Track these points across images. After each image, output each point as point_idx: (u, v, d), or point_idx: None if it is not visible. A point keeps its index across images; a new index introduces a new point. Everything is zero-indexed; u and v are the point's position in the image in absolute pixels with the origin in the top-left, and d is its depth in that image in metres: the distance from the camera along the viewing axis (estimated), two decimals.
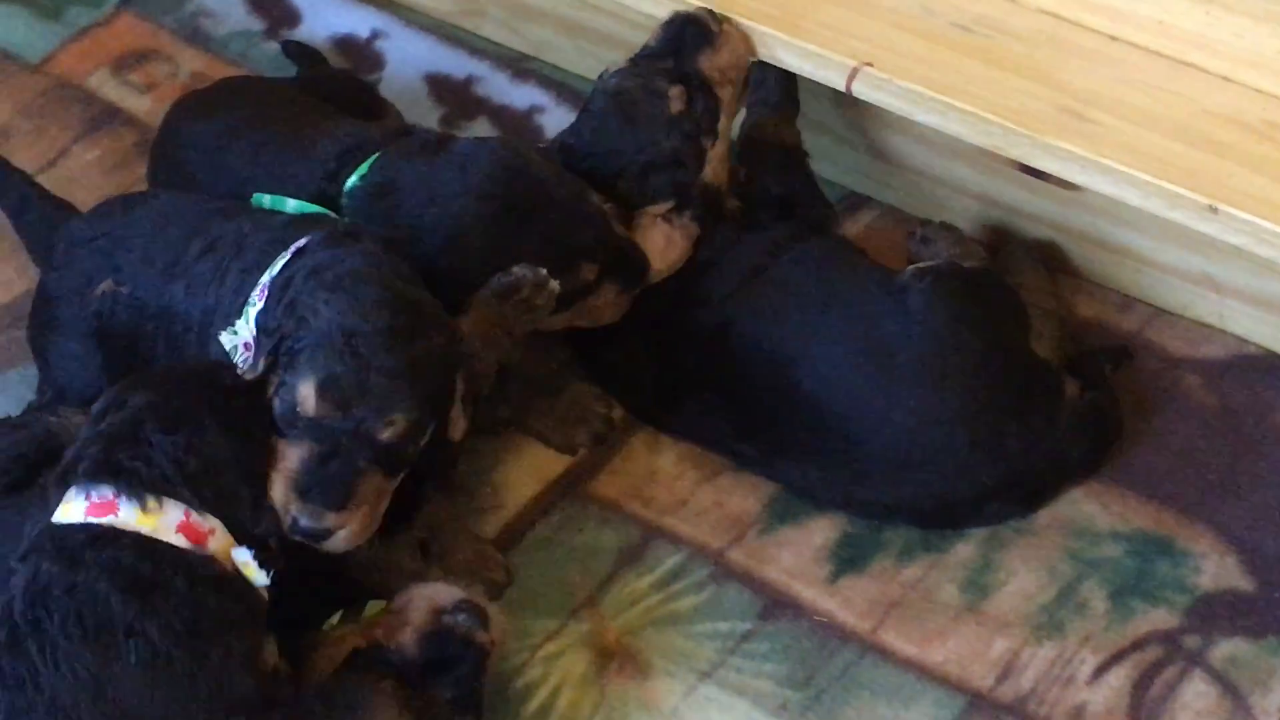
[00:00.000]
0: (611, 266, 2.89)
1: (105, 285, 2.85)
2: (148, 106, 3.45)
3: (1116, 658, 2.78)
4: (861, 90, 3.02)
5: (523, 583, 2.86)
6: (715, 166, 3.02)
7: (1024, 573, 2.87)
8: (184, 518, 2.52)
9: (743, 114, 3.14)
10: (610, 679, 2.78)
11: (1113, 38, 3.05)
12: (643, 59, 3.03)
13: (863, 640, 2.81)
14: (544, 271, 2.78)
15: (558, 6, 3.41)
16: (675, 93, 2.99)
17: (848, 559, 2.89)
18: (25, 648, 2.45)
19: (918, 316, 2.86)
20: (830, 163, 3.28)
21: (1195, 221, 2.86)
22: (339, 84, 3.36)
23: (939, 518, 2.90)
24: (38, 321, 2.96)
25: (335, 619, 2.66)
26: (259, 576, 2.54)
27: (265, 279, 2.68)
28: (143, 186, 3.26)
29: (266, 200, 2.88)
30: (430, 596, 2.65)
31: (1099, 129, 2.93)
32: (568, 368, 3.09)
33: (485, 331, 2.77)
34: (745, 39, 3.05)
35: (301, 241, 2.69)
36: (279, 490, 2.57)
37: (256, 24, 3.58)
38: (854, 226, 3.25)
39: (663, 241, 2.97)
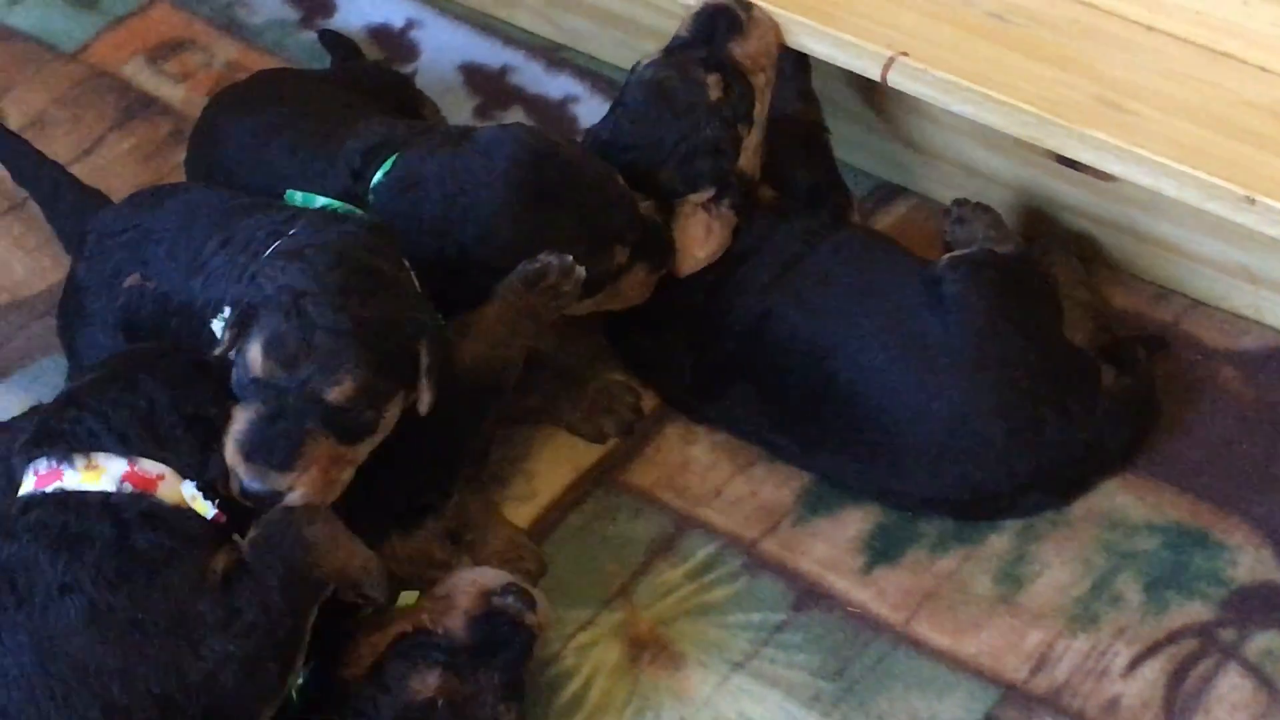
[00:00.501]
0: (640, 247, 2.88)
1: (132, 279, 2.85)
2: (183, 95, 3.46)
3: (1151, 650, 2.77)
4: (897, 80, 3.01)
5: (556, 572, 2.85)
6: (750, 155, 3.01)
7: (1058, 565, 2.86)
8: (128, 467, 2.52)
9: None
10: (643, 669, 2.77)
11: (1149, 28, 3.04)
12: (675, 49, 3.02)
13: (896, 631, 2.80)
14: (570, 258, 2.77)
15: None
16: (713, 80, 2.98)
17: (881, 550, 2.89)
18: None
19: (953, 307, 2.85)
20: (864, 153, 3.27)
21: (1232, 212, 2.85)
22: (376, 77, 3.35)
23: (976, 509, 2.89)
24: (66, 311, 2.97)
25: (369, 610, 2.66)
26: (206, 508, 2.52)
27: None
28: (177, 175, 3.27)
29: (299, 198, 2.88)
30: (476, 579, 2.65)
31: (1135, 119, 2.92)
32: (597, 357, 3.09)
33: (513, 319, 2.76)
34: (774, 25, 3.04)
35: (294, 229, 2.70)
36: (228, 451, 2.55)
37: (292, 13, 3.58)
38: (888, 217, 3.24)
39: (703, 231, 2.97)
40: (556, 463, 2.98)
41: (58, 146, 3.36)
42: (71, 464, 2.53)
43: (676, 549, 2.89)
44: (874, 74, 3.02)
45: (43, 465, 2.54)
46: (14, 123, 3.40)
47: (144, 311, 2.84)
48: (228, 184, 2.98)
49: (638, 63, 3.03)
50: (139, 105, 3.44)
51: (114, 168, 3.35)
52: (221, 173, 3.06)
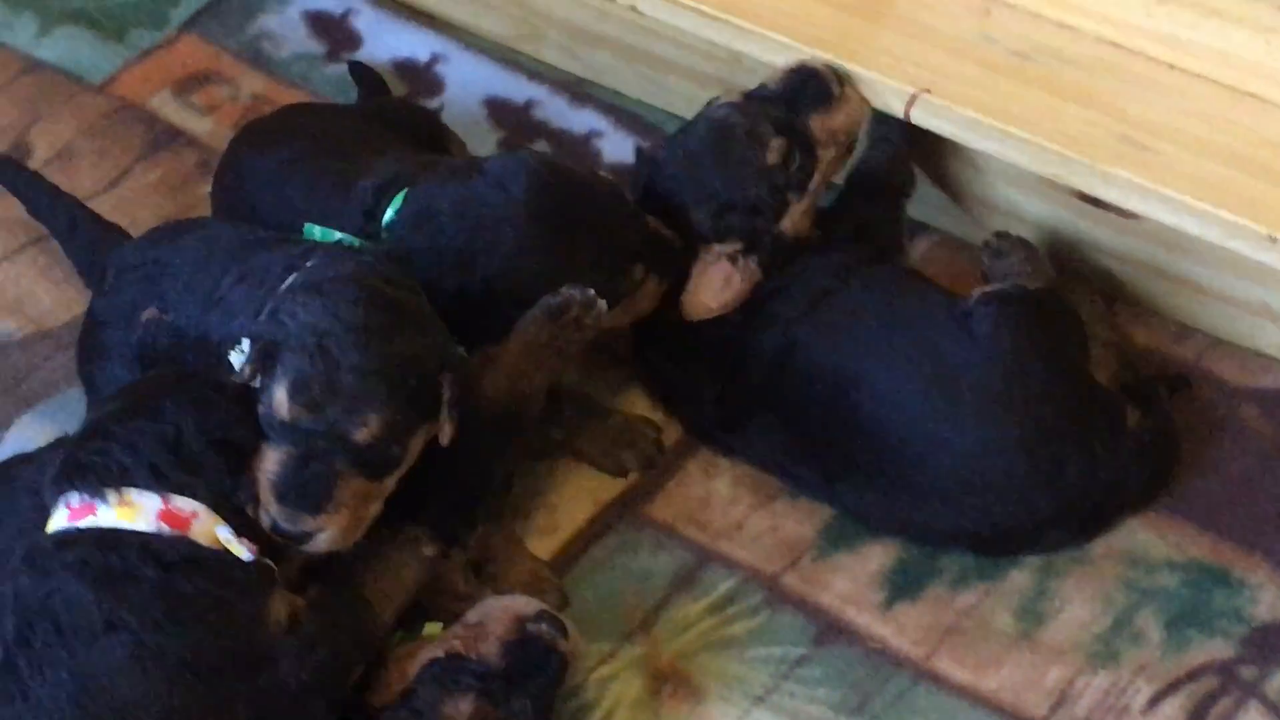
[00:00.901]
0: (652, 261, 2.90)
1: (149, 313, 2.86)
2: (209, 128, 3.47)
3: (1172, 688, 2.77)
4: (920, 117, 3.02)
5: (577, 605, 2.86)
6: (796, 220, 3.00)
7: (1079, 601, 2.86)
8: (163, 505, 2.53)
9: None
10: (664, 702, 2.78)
11: (1173, 66, 3.05)
12: (756, 98, 3.02)
13: (917, 667, 2.81)
14: (591, 291, 2.78)
15: (617, 31, 3.42)
16: (775, 144, 2.97)
17: (902, 585, 2.89)
18: (16, 665, 2.47)
19: (982, 342, 2.86)
20: None
21: (1254, 251, 2.86)
22: (402, 113, 3.36)
23: (997, 545, 2.89)
24: (85, 346, 2.98)
25: (397, 637, 2.67)
26: (242, 551, 2.54)
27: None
28: (203, 207, 3.28)
29: (316, 232, 2.90)
30: (509, 606, 2.67)
31: (1158, 158, 2.93)
32: (619, 391, 3.10)
33: (535, 353, 2.78)
34: (863, 103, 3.03)
35: (310, 262, 2.71)
36: (262, 491, 2.57)
37: (318, 47, 3.60)
38: (912, 253, 3.24)
39: (720, 280, 2.96)
40: (578, 496, 2.98)
41: (84, 178, 3.38)
42: (104, 499, 2.54)
43: (697, 583, 2.89)
44: (897, 110, 3.04)
45: (75, 499, 2.55)
46: (41, 154, 3.43)
47: (160, 345, 2.84)
48: (250, 219, 2.99)
49: (716, 97, 3.03)
50: (165, 137, 3.46)
51: (140, 199, 3.37)
52: (244, 208, 3.07)
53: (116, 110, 3.50)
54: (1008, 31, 3.10)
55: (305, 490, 2.56)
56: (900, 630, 2.84)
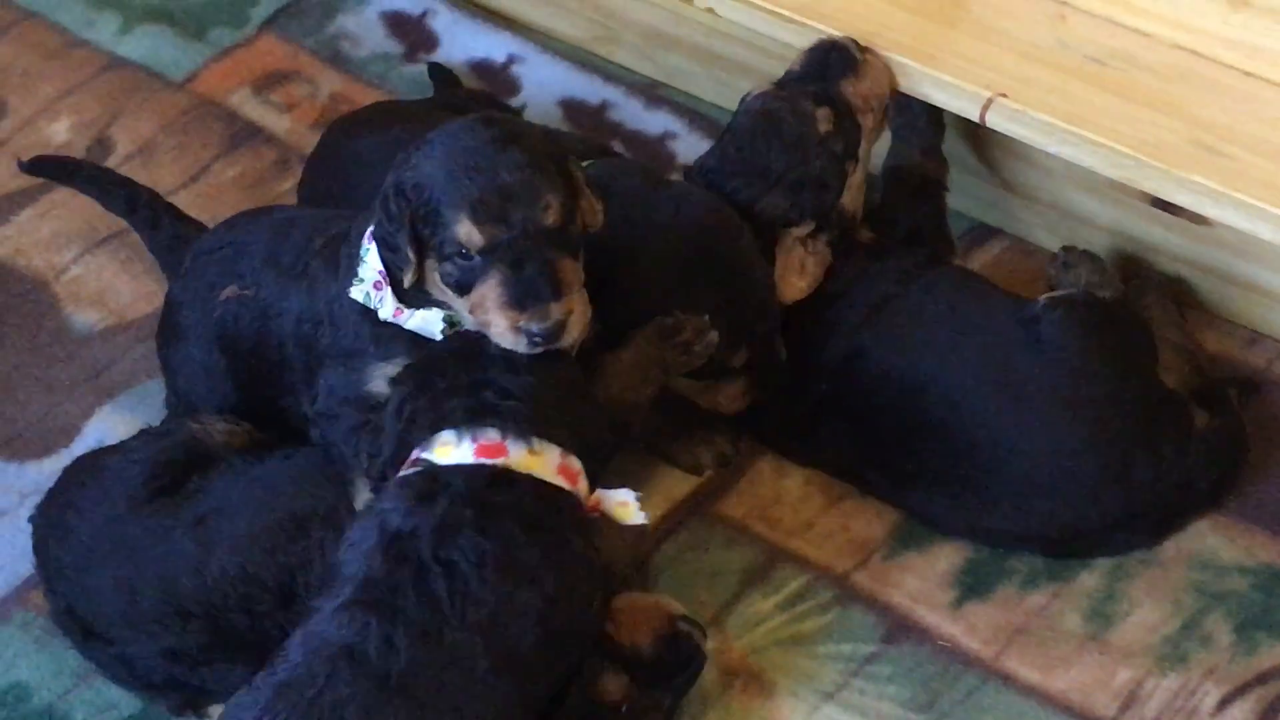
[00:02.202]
0: (756, 361, 2.94)
1: (229, 290, 2.89)
2: (287, 126, 3.51)
3: (1241, 691, 2.78)
4: (995, 121, 3.04)
5: None
6: (853, 193, 3.04)
7: (1148, 604, 2.87)
8: (560, 459, 2.60)
9: (886, 141, 3.17)
10: (735, 697, 2.80)
11: (1247, 73, 3.06)
12: (787, 82, 3.06)
13: (986, 666, 2.82)
14: (706, 318, 2.83)
15: (691, 34, 3.45)
16: (822, 114, 3.01)
17: (971, 585, 2.90)
18: (433, 589, 2.51)
19: (1050, 346, 2.88)
20: (960, 193, 3.29)
21: None
22: (482, 105, 3.38)
23: (1066, 547, 2.91)
24: (163, 330, 3.02)
25: None
26: (638, 516, 2.63)
27: (367, 229, 2.73)
28: (281, 202, 3.32)
29: None
30: (659, 602, 2.74)
31: (1232, 163, 2.94)
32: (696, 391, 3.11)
33: (645, 366, 2.82)
34: (887, 69, 3.08)
35: None
36: (500, 324, 2.62)
37: (396, 47, 3.63)
38: (983, 257, 3.27)
39: (797, 267, 3.00)
40: (652, 492, 3.00)
41: (164, 173, 3.42)
42: (519, 442, 2.59)
43: (768, 580, 2.91)
44: (973, 114, 3.05)
45: (483, 437, 2.59)
46: (122, 150, 3.47)
47: (242, 323, 2.88)
48: (341, 203, 3.01)
49: (748, 93, 3.07)
50: (245, 134, 3.50)
51: (219, 195, 3.41)
52: (336, 190, 3.11)
53: (196, 107, 3.54)
54: (1083, 37, 3.11)
55: (537, 288, 2.61)
56: (970, 630, 2.85)
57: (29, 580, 2.92)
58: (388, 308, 2.72)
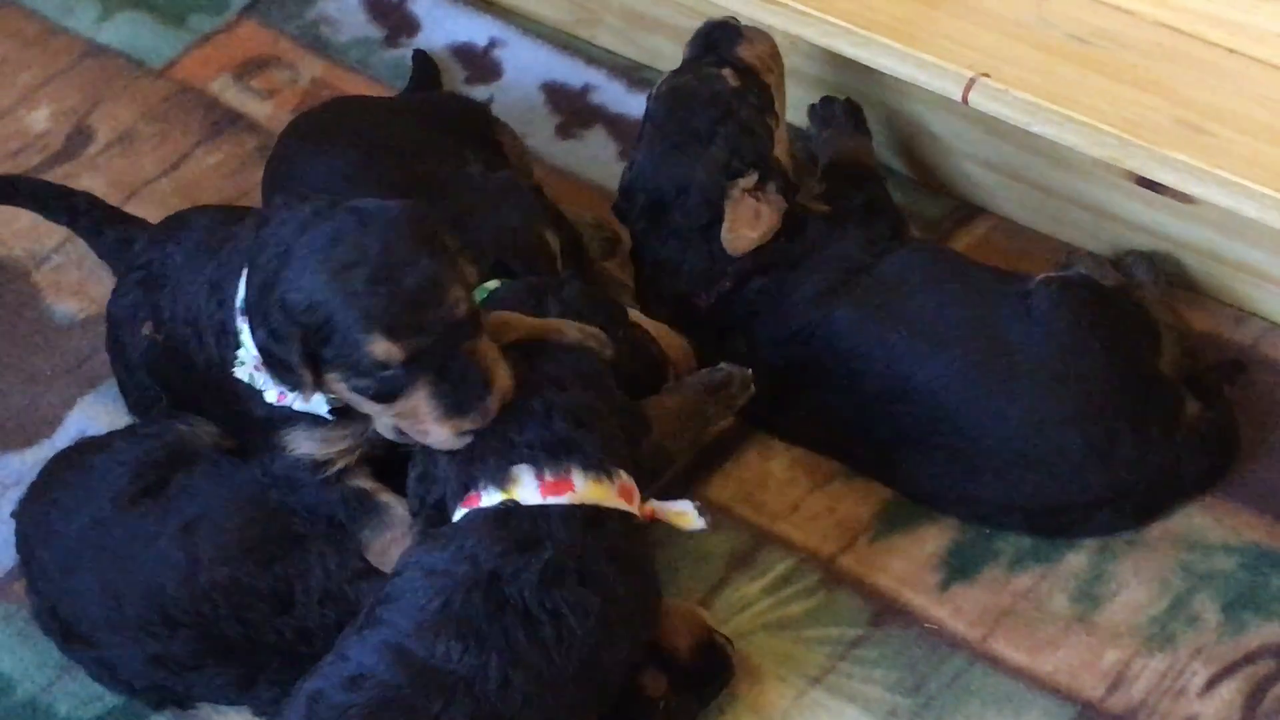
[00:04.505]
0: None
1: (146, 327, 2.89)
2: (269, 112, 3.50)
3: (1228, 670, 2.78)
4: (978, 101, 3.03)
5: None
6: (782, 149, 3.08)
7: (1135, 584, 2.86)
8: (621, 482, 2.64)
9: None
10: None
11: (1231, 50, 3.05)
12: (683, 66, 3.13)
13: (973, 648, 2.81)
14: (749, 371, 2.87)
15: (673, 16, 3.44)
16: (726, 73, 3.08)
17: (958, 567, 2.90)
18: (543, 636, 2.54)
19: (1041, 319, 2.88)
20: (945, 173, 3.28)
21: None
22: (453, 107, 3.35)
23: (1050, 522, 2.90)
24: (110, 346, 3.02)
25: None
26: (699, 523, 2.67)
27: (239, 300, 2.65)
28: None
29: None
30: (694, 611, 2.77)
31: (1216, 141, 2.93)
32: None
33: (688, 416, 2.84)
34: (769, 35, 3.14)
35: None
36: (441, 434, 2.59)
37: (376, 32, 3.62)
38: (968, 237, 3.26)
39: (752, 214, 3.01)
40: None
41: (145, 161, 3.41)
42: (587, 474, 2.62)
43: (754, 563, 2.91)
44: (955, 95, 3.04)
45: (550, 473, 2.62)
46: (102, 138, 3.46)
47: (161, 362, 2.87)
48: None
49: (650, 90, 3.12)
50: (225, 121, 3.49)
51: (200, 182, 3.40)
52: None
53: (177, 94, 3.53)
54: (1065, 16, 3.10)
55: (471, 389, 2.57)
56: (957, 612, 2.85)
57: (11, 572, 2.91)
58: (272, 392, 2.66)
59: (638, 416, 2.75)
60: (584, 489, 2.61)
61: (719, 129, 3.02)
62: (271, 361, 2.59)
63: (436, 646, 2.52)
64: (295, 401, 2.67)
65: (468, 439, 2.61)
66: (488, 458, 2.62)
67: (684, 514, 2.68)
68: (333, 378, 2.58)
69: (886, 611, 2.85)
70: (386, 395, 2.57)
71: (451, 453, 2.63)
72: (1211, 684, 2.77)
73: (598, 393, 2.69)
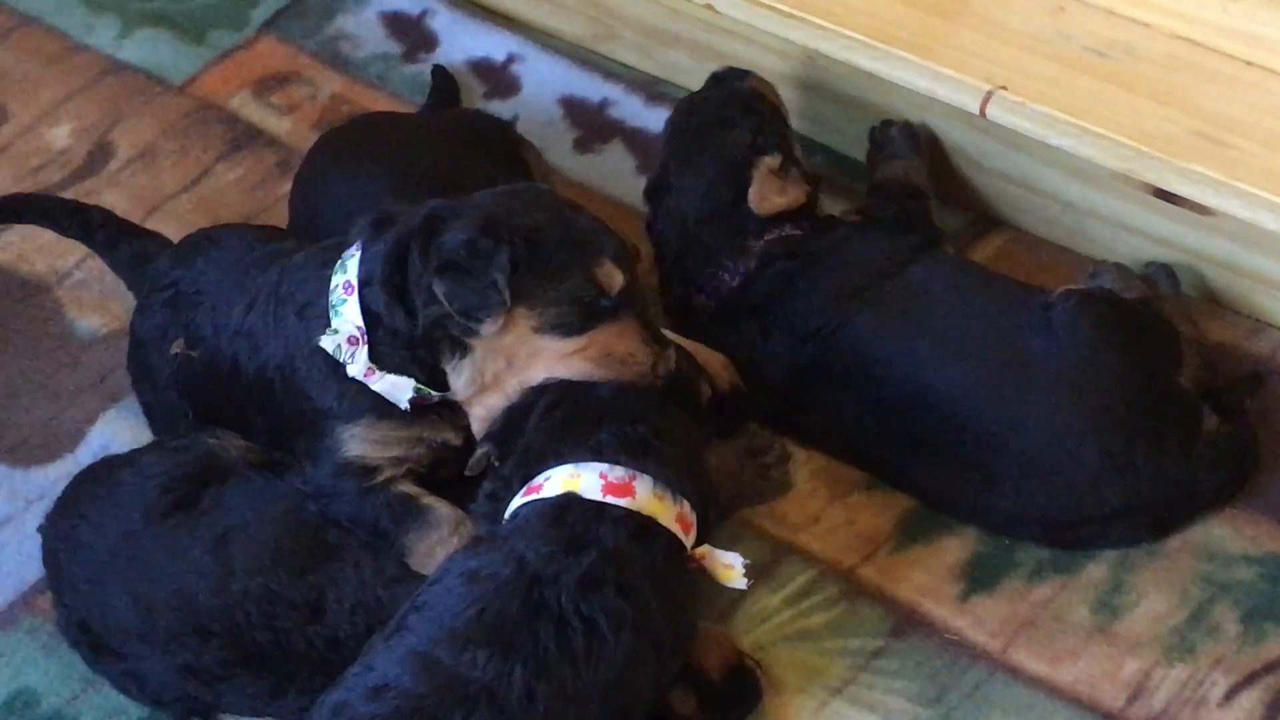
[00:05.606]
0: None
1: (177, 345, 2.90)
2: (288, 128, 3.51)
3: (1249, 680, 2.78)
4: (996, 114, 3.04)
5: None
6: (800, 154, 3.15)
7: (1155, 594, 2.87)
8: (681, 509, 2.64)
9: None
10: None
11: (1248, 63, 3.06)
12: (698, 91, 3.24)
13: (993, 659, 2.82)
14: (788, 446, 2.93)
15: (691, 31, 3.45)
16: (742, 84, 3.17)
17: (978, 578, 2.90)
18: (572, 644, 2.54)
19: (1061, 331, 2.89)
20: (962, 186, 3.29)
21: None
22: (478, 124, 3.36)
23: (1067, 534, 2.91)
24: (132, 366, 3.03)
25: None
26: (740, 582, 2.67)
27: (340, 280, 2.71)
28: (282, 205, 3.32)
29: None
30: (725, 634, 2.78)
31: (1233, 153, 2.94)
32: None
33: (723, 477, 2.85)
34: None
35: (354, 246, 2.73)
36: (643, 358, 2.70)
37: (395, 48, 3.63)
38: (986, 249, 3.27)
39: (777, 185, 3.06)
40: None
41: (166, 177, 3.42)
42: (649, 486, 2.62)
43: (775, 575, 2.91)
44: (973, 107, 3.05)
45: (614, 475, 2.62)
46: (123, 154, 3.47)
47: (196, 378, 2.88)
48: (328, 233, 2.94)
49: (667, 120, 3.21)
50: (246, 137, 3.50)
51: (220, 198, 3.41)
52: (322, 222, 3.06)
53: (197, 110, 3.54)
54: (1083, 28, 3.12)
55: (659, 331, 2.75)
56: (977, 622, 2.85)
57: (36, 585, 2.92)
58: (359, 365, 2.70)
59: (707, 473, 2.75)
60: (645, 499, 2.61)
61: (742, 119, 3.09)
62: (460, 280, 2.63)
63: (464, 654, 2.52)
64: (377, 382, 2.69)
65: (648, 376, 2.68)
66: (561, 449, 2.64)
67: (731, 568, 2.67)
68: (521, 312, 2.66)
69: (907, 622, 2.86)
70: (581, 327, 2.67)
71: (523, 451, 2.66)
72: (1232, 694, 2.77)
73: (678, 419, 2.71)
